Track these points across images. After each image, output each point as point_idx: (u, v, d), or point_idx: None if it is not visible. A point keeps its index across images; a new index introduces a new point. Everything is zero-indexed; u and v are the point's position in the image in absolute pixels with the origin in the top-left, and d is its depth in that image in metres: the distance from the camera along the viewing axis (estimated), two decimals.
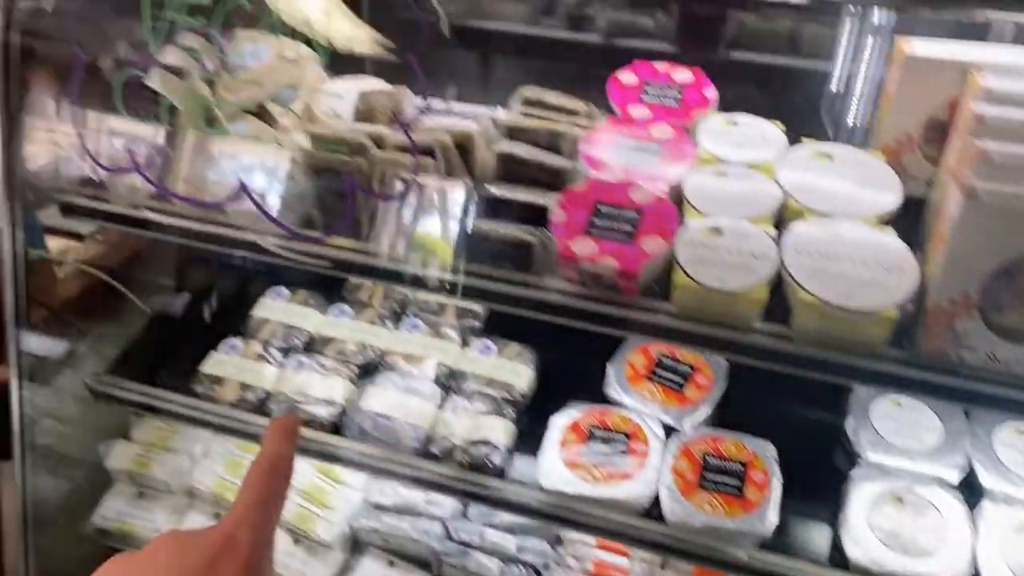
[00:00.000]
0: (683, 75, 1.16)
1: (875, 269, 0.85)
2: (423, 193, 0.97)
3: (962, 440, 1.10)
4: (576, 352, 1.26)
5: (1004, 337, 0.82)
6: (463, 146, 1.03)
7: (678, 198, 0.98)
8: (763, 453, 1.10)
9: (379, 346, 1.29)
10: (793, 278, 0.85)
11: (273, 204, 1.01)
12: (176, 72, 1.11)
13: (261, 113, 1.16)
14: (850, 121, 1.19)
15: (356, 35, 1.18)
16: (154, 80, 1.08)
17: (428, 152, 0.98)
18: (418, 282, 0.99)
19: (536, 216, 1.00)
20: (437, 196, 0.97)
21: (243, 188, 0.98)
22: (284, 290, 1.38)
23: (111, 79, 1.09)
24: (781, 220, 0.95)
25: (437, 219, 0.99)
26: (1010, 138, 0.82)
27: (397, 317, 1.34)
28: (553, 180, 1.05)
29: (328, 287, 1.40)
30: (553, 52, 1.69)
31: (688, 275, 0.87)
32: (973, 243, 0.80)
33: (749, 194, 0.97)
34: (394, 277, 1.00)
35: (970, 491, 1.07)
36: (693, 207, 0.96)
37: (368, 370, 1.26)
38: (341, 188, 0.99)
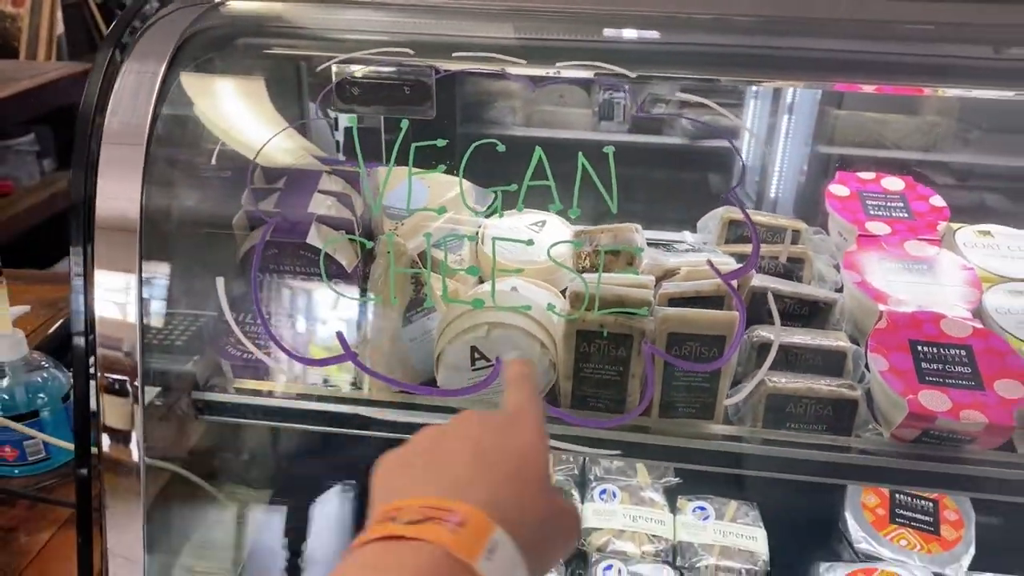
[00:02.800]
0: (893, 183, 1.06)
1: None
2: None
3: None
4: (783, 495, 1.10)
5: None
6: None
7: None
8: None
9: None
10: None
11: None
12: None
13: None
14: None
15: None
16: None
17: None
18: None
19: (835, 361, 0.84)
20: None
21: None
22: None
23: None
24: None
25: None
26: None
27: (582, 483, 1.12)
28: (810, 317, 0.91)
29: None
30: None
31: None
32: None
33: None
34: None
35: None
36: (1014, 336, 0.84)
37: (568, 561, 1.03)
38: (613, 356, 0.79)
